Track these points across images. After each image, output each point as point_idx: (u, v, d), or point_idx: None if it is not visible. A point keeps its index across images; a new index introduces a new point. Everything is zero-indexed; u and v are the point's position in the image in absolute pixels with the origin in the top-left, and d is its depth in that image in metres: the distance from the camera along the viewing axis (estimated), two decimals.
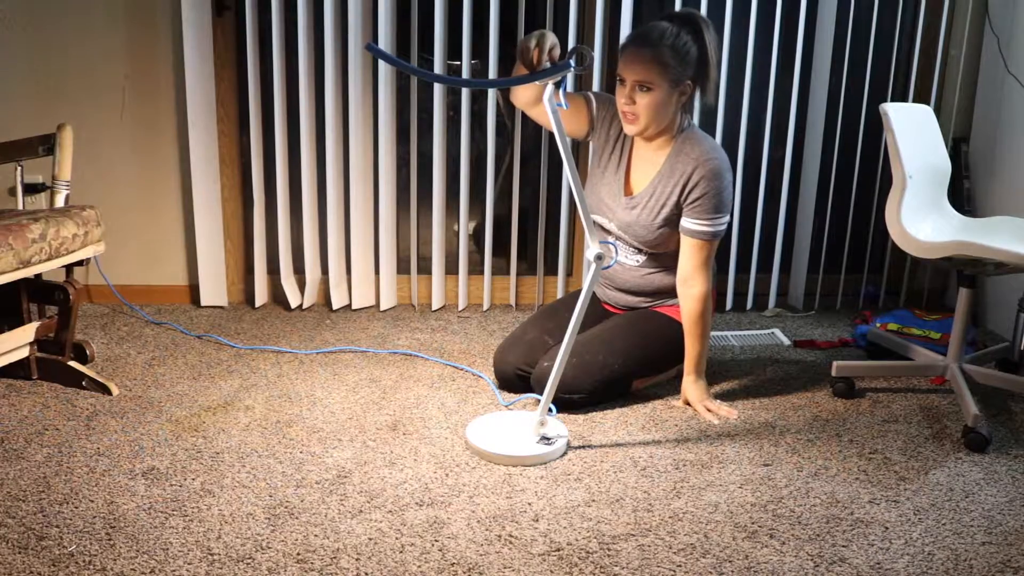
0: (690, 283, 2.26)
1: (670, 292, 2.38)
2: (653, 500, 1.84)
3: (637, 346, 2.33)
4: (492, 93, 3.03)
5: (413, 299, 3.24)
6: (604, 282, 2.48)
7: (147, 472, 1.90)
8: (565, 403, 2.25)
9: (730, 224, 3.14)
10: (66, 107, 2.93)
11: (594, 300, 2.53)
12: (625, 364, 2.30)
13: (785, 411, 2.32)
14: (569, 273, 3.24)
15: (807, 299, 3.30)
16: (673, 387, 2.43)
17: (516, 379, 2.37)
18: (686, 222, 2.25)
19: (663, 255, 2.35)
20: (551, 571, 1.58)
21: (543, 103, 1.93)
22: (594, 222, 2.39)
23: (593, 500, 1.83)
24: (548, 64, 1.89)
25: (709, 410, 2.27)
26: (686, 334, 2.30)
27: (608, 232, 2.39)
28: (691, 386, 2.32)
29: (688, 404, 2.33)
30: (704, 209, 2.22)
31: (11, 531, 1.66)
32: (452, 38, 2.97)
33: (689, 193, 2.23)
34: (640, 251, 2.36)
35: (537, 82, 1.88)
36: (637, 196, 2.31)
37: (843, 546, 1.69)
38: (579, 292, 2.04)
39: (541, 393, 2.11)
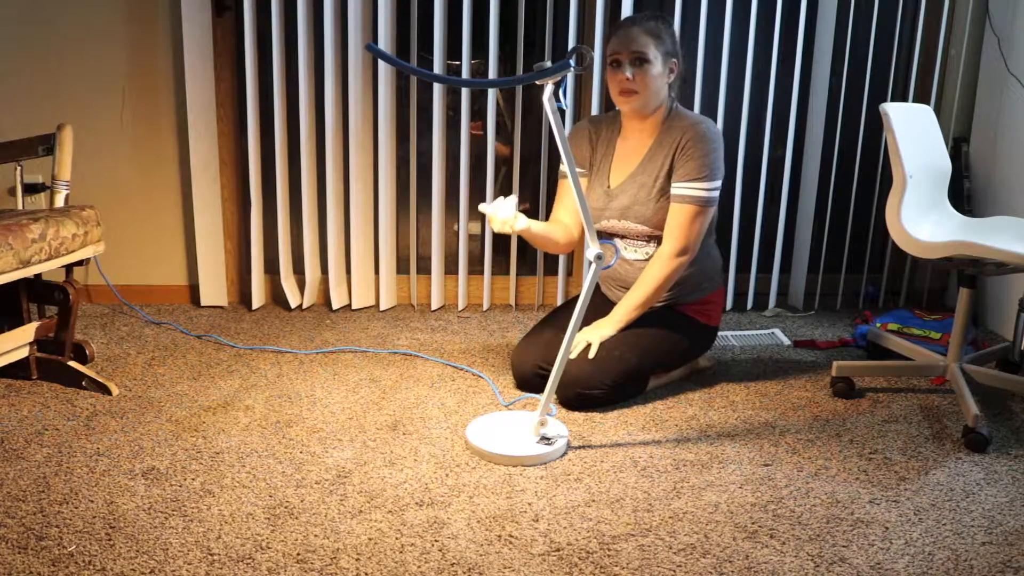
0: (668, 241, 2.26)
1: (682, 287, 2.38)
2: (653, 500, 1.84)
3: (651, 343, 2.33)
4: (492, 93, 3.03)
5: (413, 299, 3.24)
6: (613, 283, 2.46)
7: (147, 472, 1.90)
8: (584, 399, 2.25)
9: (730, 224, 3.15)
10: (66, 107, 2.93)
11: (606, 299, 2.53)
12: (640, 359, 2.30)
13: (785, 411, 2.32)
14: (569, 273, 3.24)
15: (807, 299, 3.31)
16: (678, 388, 2.43)
17: (535, 378, 2.36)
18: (675, 188, 2.25)
19: None
20: (551, 571, 1.58)
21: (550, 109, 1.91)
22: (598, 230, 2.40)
23: (593, 500, 1.83)
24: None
25: (589, 345, 2.27)
26: (636, 282, 2.29)
27: (612, 235, 2.40)
28: (600, 325, 2.30)
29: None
30: (692, 169, 2.23)
31: (11, 531, 1.66)
32: (452, 38, 2.97)
33: (679, 158, 2.25)
34: (648, 240, 2.36)
35: (537, 81, 1.88)
36: (628, 177, 2.33)
37: (843, 546, 1.69)
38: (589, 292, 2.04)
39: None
